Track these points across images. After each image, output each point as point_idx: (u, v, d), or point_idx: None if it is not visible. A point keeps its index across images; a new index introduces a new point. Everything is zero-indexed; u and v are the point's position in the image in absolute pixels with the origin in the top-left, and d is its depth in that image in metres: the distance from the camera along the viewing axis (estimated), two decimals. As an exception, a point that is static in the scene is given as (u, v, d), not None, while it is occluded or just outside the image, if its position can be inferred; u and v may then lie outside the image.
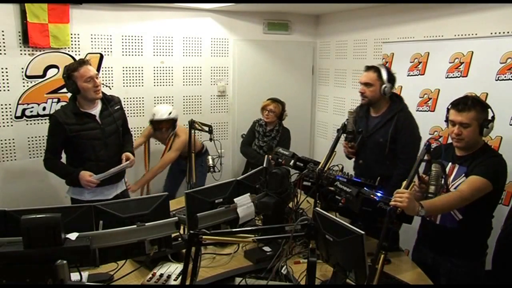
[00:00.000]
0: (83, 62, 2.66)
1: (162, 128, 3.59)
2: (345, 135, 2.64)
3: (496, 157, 2.08)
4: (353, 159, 2.85)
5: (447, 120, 2.14)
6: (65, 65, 2.71)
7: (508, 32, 2.86)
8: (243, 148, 4.01)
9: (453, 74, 3.13)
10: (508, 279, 2.35)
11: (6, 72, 3.33)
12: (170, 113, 3.58)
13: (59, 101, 3.59)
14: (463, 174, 2.08)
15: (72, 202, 2.83)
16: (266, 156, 2.79)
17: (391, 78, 2.64)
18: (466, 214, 2.07)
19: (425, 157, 1.91)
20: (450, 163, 2.17)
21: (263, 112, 3.85)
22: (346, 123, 2.60)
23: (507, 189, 2.63)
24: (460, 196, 1.96)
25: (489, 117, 2.05)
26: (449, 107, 2.11)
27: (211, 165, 3.03)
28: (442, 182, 1.93)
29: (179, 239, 2.05)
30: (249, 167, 3.88)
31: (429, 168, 1.94)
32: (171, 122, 3.61)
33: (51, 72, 3.52)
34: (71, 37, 3.56)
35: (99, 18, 3.70)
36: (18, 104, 3.41)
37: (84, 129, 2.66)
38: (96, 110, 2.73)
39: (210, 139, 2.90)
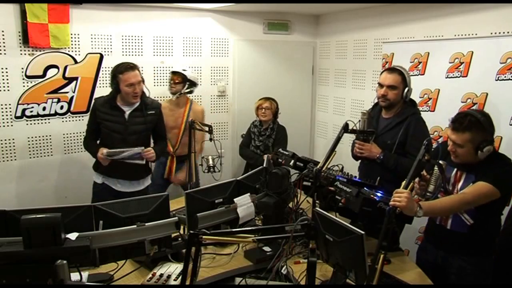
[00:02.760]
0: (130, 67, 2.84)
1: (176, 80, 3.62)
2: (353, 135, 2.58)
3: (508, 166, 2.00)
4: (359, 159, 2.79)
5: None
6: (116, 64, 2.91)
7: (508, 32, 2.86)
8: (241, 150, 4.04)
9: (453, 74, 3.13)
10: (508, 279, 2.35)
11: (6, 72, 3.33)
12: (184, 70, 3.66)
13: (59, 101, 3.59)
14: (472, 183, 2.01)
15: (94, 186, 3.04)
16: (266, 156, 2.79)
17: (410, 82, 2.61)
18: (477, 219, 2.03)
19: (425, 157, 1.91)
20: (455, 169, 2.11)
21: (259, 111, 3.85)
22: (357, 122, 2.54)
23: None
24: (461, 199, 1.93)
25: (489, 138, 1.96)
26: (449, 121, 2.04)
27: (211, 165, 3.04)
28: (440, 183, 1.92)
29: (179, 239, 2.05)
30: (248, 168, 3.88)
31: (430, 168, 1.93)
32: (183, 78, 3.62)
33: (51, 72, 3.51)
34: (71, 37, 3.56)
35: (99, 18, 3.70)
36: (18, 104, 3.40)
37: (109, 120, 2.88)
38: (129, 107, 2.91)
39: (210, 139, 2.91)
